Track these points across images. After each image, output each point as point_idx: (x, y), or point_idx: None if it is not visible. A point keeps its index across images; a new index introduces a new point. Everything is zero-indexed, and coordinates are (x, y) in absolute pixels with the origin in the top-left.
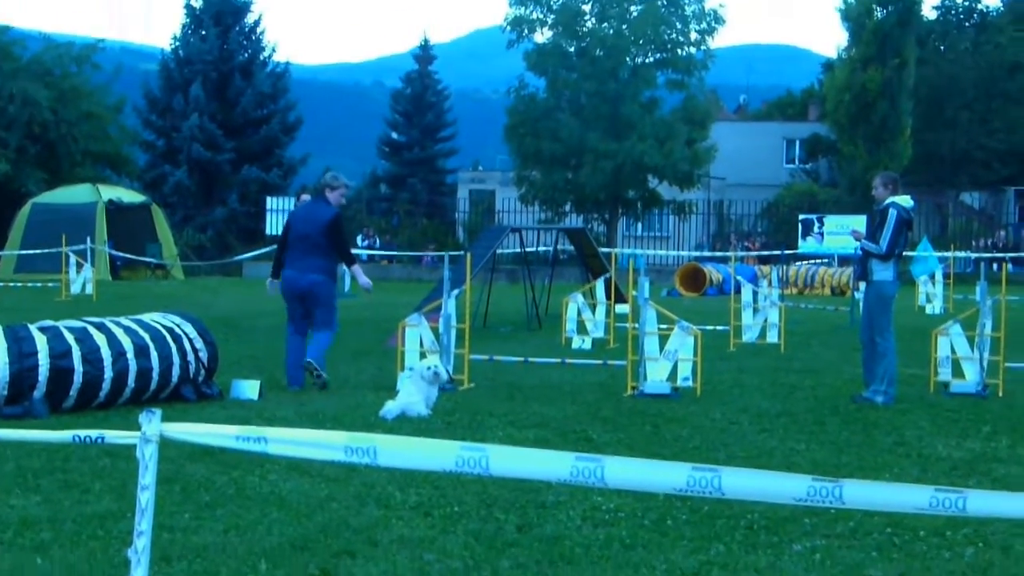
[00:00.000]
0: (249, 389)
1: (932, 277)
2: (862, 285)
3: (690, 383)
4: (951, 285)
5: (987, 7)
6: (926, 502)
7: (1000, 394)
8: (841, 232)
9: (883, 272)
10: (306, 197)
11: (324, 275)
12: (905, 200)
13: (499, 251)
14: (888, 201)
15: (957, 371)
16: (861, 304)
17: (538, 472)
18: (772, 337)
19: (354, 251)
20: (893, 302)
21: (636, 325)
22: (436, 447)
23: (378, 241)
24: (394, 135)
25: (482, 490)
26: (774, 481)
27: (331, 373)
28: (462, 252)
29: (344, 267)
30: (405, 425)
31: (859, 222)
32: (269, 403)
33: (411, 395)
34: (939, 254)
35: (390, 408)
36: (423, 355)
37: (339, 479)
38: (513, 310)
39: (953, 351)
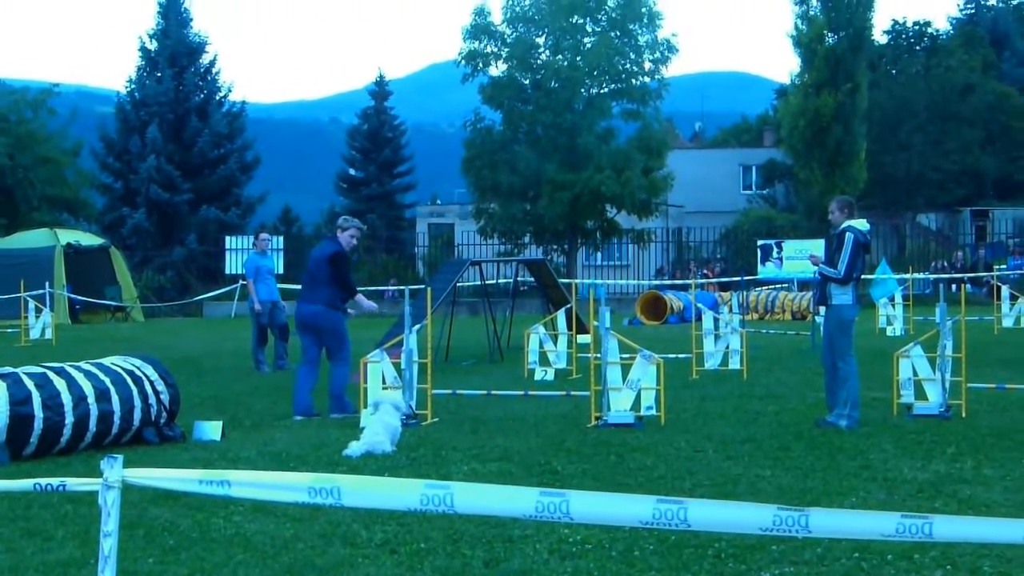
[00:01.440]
0: (211, 430)
1: (892, 299)
2: (822, 309)
3: (654, 412)
4: (911, 307)
5: (937, 30)
6: (892, 528)
7: (963, 415)
8: (800, 257)
9: (842, 296)
10: (265, 236)
11: (323, 305)
12: (861, 224)
13: (459, 284)
14: (845, 225)
15: (920, 393)
16: (822, 328)
17: (503, 509)
18: (734, 363)
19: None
20: (853, 325)
21: (598, 355)
22: (400, 486)
23: None
24: (352, 171)
25: (448, 525)
26: (740, 512)
27: (291, 410)
28: (422, 286)
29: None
30: (369, 463)
31: (817, 246)
32: (232, 444)
33: (376, 433)
34: (898, 276)
35: (355, 448)
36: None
37: (304, 519)
38: (475, 343)
39: (915, 373)
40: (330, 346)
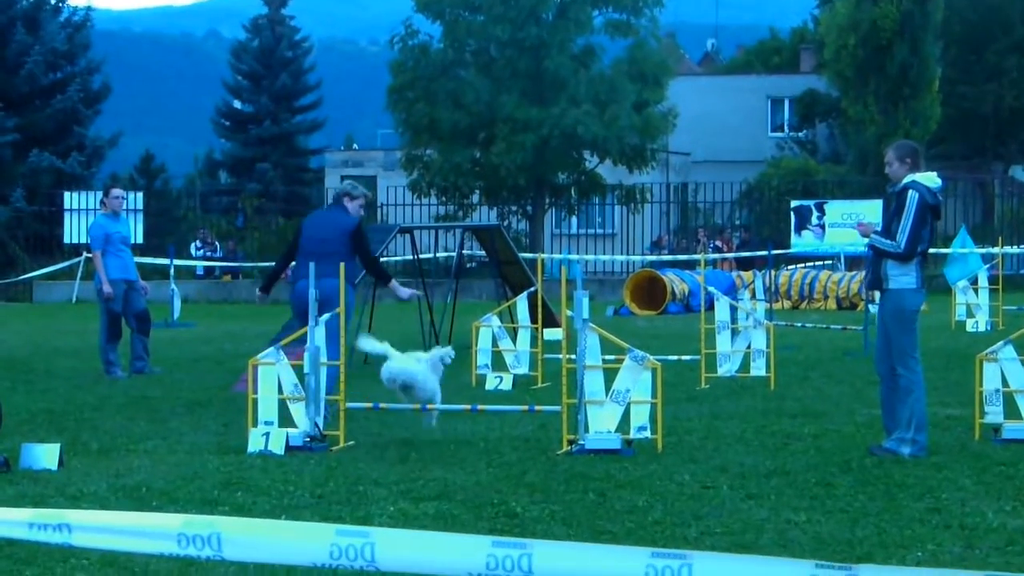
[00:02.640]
0: (46, 456)
1: (974, 282)
2: (876, 295)
3: (648, 434)
4: (1000, 293)
5: None
6: None
7: None
8: (848, 224)
9: (903, 277)
10: (118, 193)
11: (339, 279)
12: (930, 179)
13: (384, 259)
14: (907, 180)
15: (1012, 410)
16: (876, 322)
17: (442, 565)
18: (758, 369)
19: (187, 262)
20: (918, 317)
21: (573, 357)
22: (303, 533)
23: (218, 248)
24: (237, 104)
25: None
26: (765, 570)
27: (159, 428)
28: None
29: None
30: (260, 501)
31: (872, 209)
32: (74, 474)
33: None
34: (982, 251)
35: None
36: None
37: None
38: (405, 339)
39: (1005, 383)
40: (332, 325)
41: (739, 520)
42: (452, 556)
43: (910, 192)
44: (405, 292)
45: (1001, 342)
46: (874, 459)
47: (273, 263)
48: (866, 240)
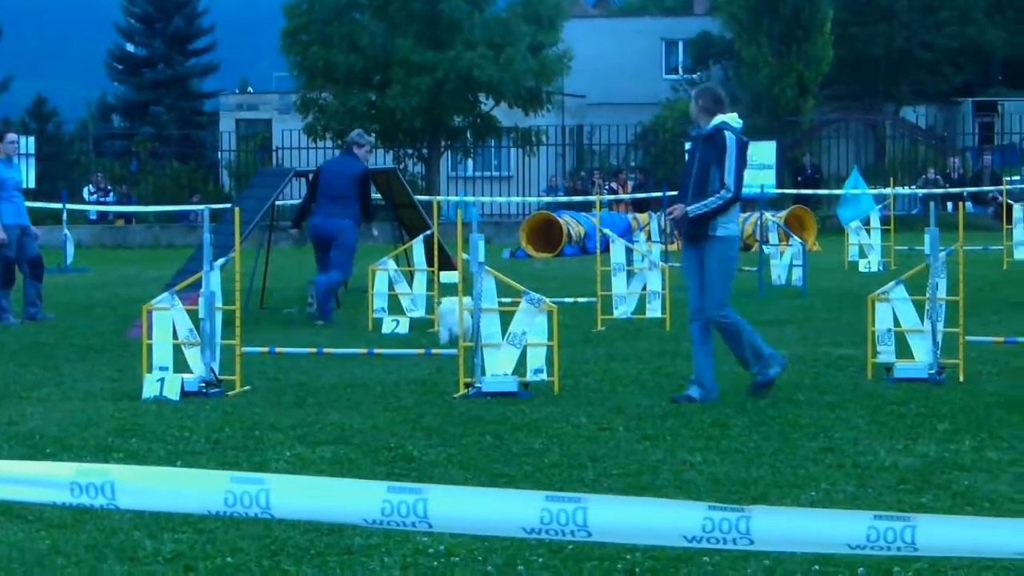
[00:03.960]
0: None
1: (866, 223)
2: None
3: (544, 377)
4: (892, 233)
5: None
6: (863, 535)
7: (961, 378)
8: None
9: (731, 224)
10: (12, 137)
11: (350, 220)
12: (735, 119)
13: (280, 203)
14: (717, 122)
15: (903, 349)
16: (685, 276)
17: (337, 510)
18: (654, 311)
19: (79, 207)
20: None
21: (469, 300)
22: (197, 480)
23: (111, 193)
24: (129, 47)
25: (264, 533)
26: (658, 513)
27: (52, 375)
28: (228, 205)
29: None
30: (155, 447)
31: (766, 151)
32: None
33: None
34: (875, 191)
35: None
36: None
37: (67, 524)
38: (301, 283)
39: (896, 322)
40: (336, 258)
41: (635, 462)
42: (347, 502)
43: (725, 134)
44: (375, 232)
45: (892, 282)
46: (767, 400)
47: (181, 207)
48: (684, 213)
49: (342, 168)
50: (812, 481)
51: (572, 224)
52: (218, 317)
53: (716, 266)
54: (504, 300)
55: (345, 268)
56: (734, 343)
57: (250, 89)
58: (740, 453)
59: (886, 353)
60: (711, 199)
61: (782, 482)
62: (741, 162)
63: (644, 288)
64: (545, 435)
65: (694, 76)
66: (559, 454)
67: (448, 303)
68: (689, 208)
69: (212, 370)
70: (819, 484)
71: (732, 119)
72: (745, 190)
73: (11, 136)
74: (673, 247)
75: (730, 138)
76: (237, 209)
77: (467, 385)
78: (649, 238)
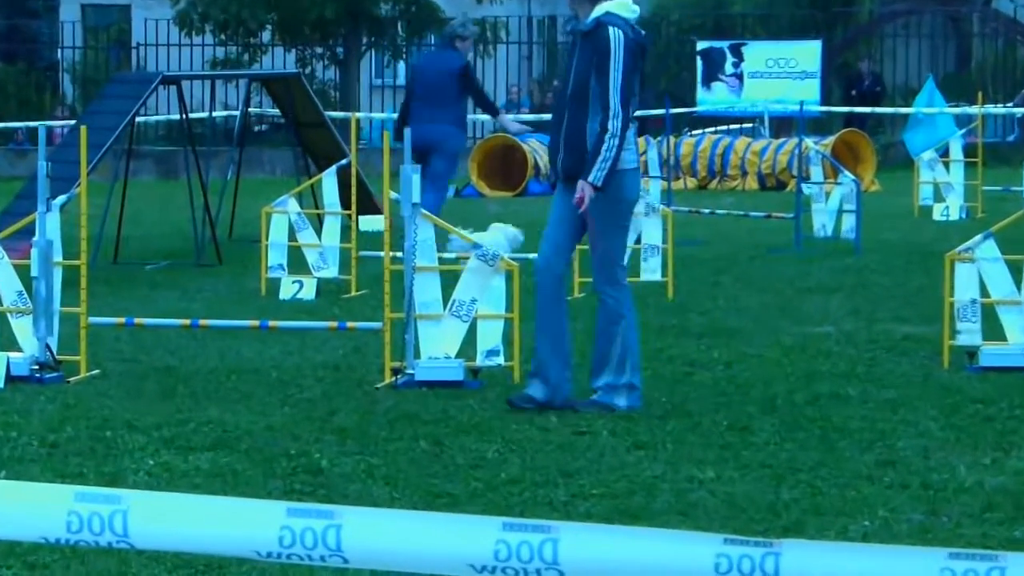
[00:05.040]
0: None
1: (943, 154)
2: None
3: (500, 360)
4: (979, 169)
5: None
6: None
7: None
8: (777, 74)
9: (624, 153)
10: None
11: (452, 125)
12: (626, 7)
13: (141, 119)
14: (598, 14)
15: (993, 329)
16: (553, 221)
17: (217, 540)
18: (652, 272)
19: None
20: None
21: (399, 255)
22: (28, 496)
23: None
24: None
25: (120, 567)
26: (655, 547)
27: None
28: (70, 122)
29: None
30: None
31: (808, 53)
32: None
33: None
34: (955, 110)
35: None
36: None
37: None
38: (170, 229)
39: (984, 291)
40: (438, 168)
41: (624, 478)
42: (233, 529)
43: (610, 31)
44: (514, 126)
45: (979, 236)
46: (805, 395)
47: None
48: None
49: (440, 64)
50: (865, 507)
51: (539, 152)
52: (57, 275)
53: (600, 212)
54: (446, 256)
55: (445, 183)
56: (605, 334)
57: None
58: (767, 468)
59: (969, 333)
60: (602, 151)
61: (824, 508)
62: (629, 69)
63: (638, 241)
64: (501, 440)
65: None
66: (520, 467)
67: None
68: (591, 178)
69: (48, 348)
70: (875, 511)
71: (621, 6)
72: (779, 106)
73: None
74: (678, 184)
75: (615, 36)
76: (84, 128)
77: (395, 372)
78: (646, 173)
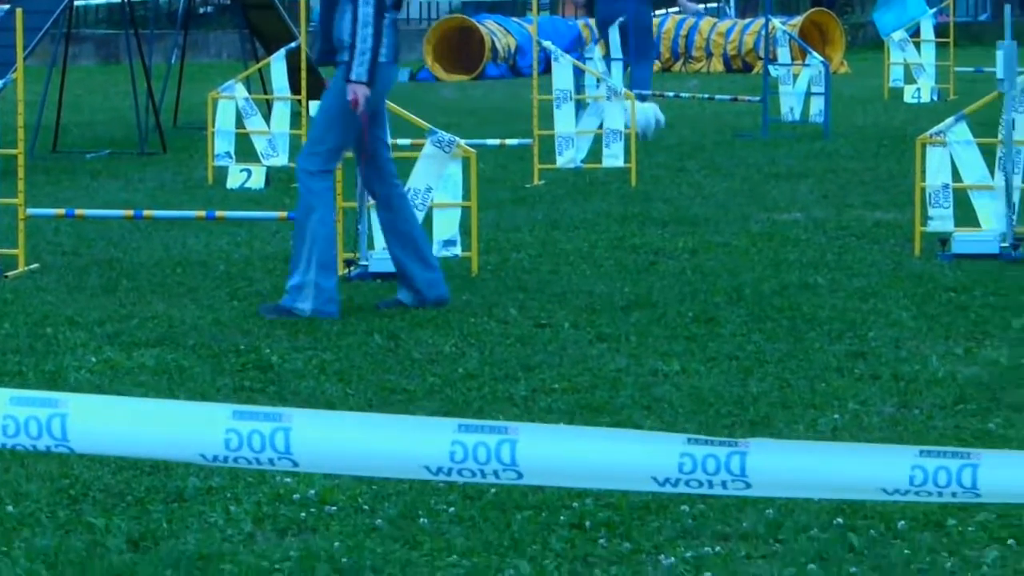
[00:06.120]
0: None
1: (914, 34)
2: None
3: (457, 251)
4: (951, 49)
5: None
6: (905, 477)
7: None
8: None
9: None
10: None
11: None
12: None
13: (80, 2)
14: None
15: (965, 214)
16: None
17: (162, 442)
18: (613, 159)
19: None
20: (384, 106)
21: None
22: None
23: None
24: None
25: (61, 471)
26: (618, 446)
27: None
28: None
29: None
30: None
31: None
32: None
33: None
34: None
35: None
36: None
37: None
38: (111, 117)
39: (957, 176)
40: (638, 45)
41: (586, 372)
42: (177, 431)
43: None
44: (692, 6)
45: (951, 118)
46: (773, 285)
47: None
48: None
49: None
50: (835, 399)
51: (498, 34)
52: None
53: (331, 97)
54: (401, 142)
55: (651, 57)
56: (298, 229)
57: None
58: (734, 360)
59: (941, 219)
60: (357, 44)
61: (793, 401)
62: None
63: (600, 126)
64: (459, 334)
65: None
66: (479, 361)
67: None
68: (354, 73)
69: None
70: (845, 403)
71: None
72: None
73: None
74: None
75: None
76: (19, 11)
77: (348, 263)
78: (607, 54)
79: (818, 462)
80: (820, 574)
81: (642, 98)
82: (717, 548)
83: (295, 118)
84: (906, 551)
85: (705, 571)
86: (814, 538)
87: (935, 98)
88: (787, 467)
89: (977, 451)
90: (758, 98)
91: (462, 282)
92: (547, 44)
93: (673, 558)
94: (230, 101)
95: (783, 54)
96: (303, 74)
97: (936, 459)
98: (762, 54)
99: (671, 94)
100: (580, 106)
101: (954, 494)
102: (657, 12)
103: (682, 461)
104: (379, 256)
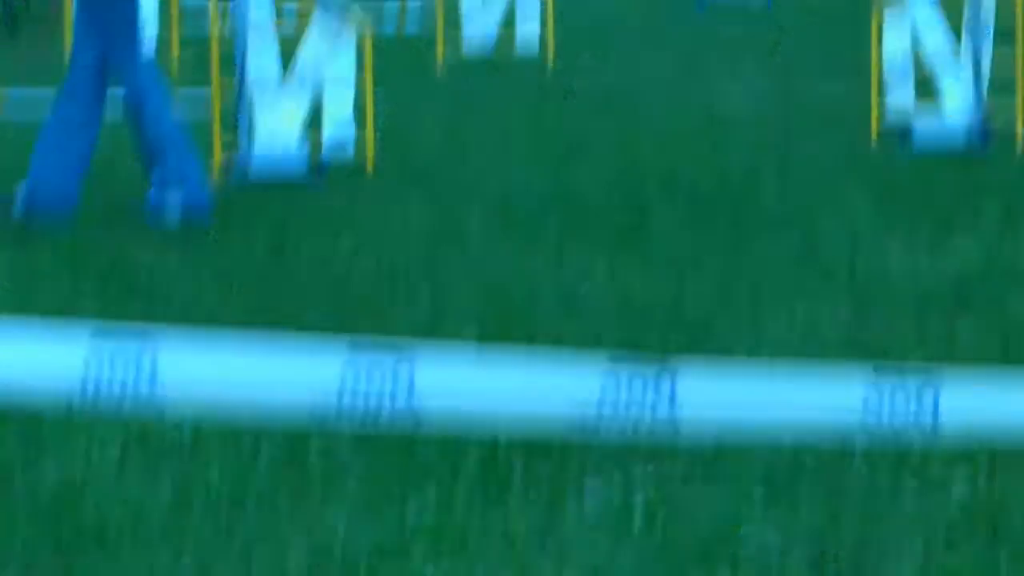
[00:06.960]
0: None
1: None
2: None
3: (350, 149)
4: None
5: None
6: (858, 399)
7: (1020, 145)
8: None
9: None
10: None
11: None
12: None
13: None
14: None
15: (925, 89)
16: None
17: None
18: (529, 37)
19: None
20: None
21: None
22: None
23: None
24: None
25: None
26: (532, 372)
27: None
28: None
29: None
30: None
31: None
32: None
33: None
34: None
35: None
36: None
37: None
38: None
39: (916, 56)
40: None
41: (498, 275)
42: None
43: None
44: None
45: None
46: (712, 172)
47: None
48: None
49: None
50: (782, 304)
51: None
52: None
53: None
54: (287, 6)
55: None
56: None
57: None
58: (668, 258)
59: (899, 96)
60: None
61: (736, 304)
62: None
63: (512, 2)
64: (355, 235)
65: None
66: (376, 267)
67: None
68: None
69: None
70: (793, 309)
71: None
72: None
73: None
74: None
75: None
76: None
77: (225, 166)
78: None
79: (754, 387)
80: (767, 496)
81: None
82: (650, 468)
83: None
84: (859, 482)
85: (636, 494)
86: (760, 457)
87: None
88: (720, 389)
89: (938, 367)
90: None
91: (353, 183)
92: None
93: (600, 480)
94: None
95: None
96: None
97: (892, 378)
98: None
99: None
100: None
101: (912, 418)
102: None
103: (605, 381)
104: (260, 152)
